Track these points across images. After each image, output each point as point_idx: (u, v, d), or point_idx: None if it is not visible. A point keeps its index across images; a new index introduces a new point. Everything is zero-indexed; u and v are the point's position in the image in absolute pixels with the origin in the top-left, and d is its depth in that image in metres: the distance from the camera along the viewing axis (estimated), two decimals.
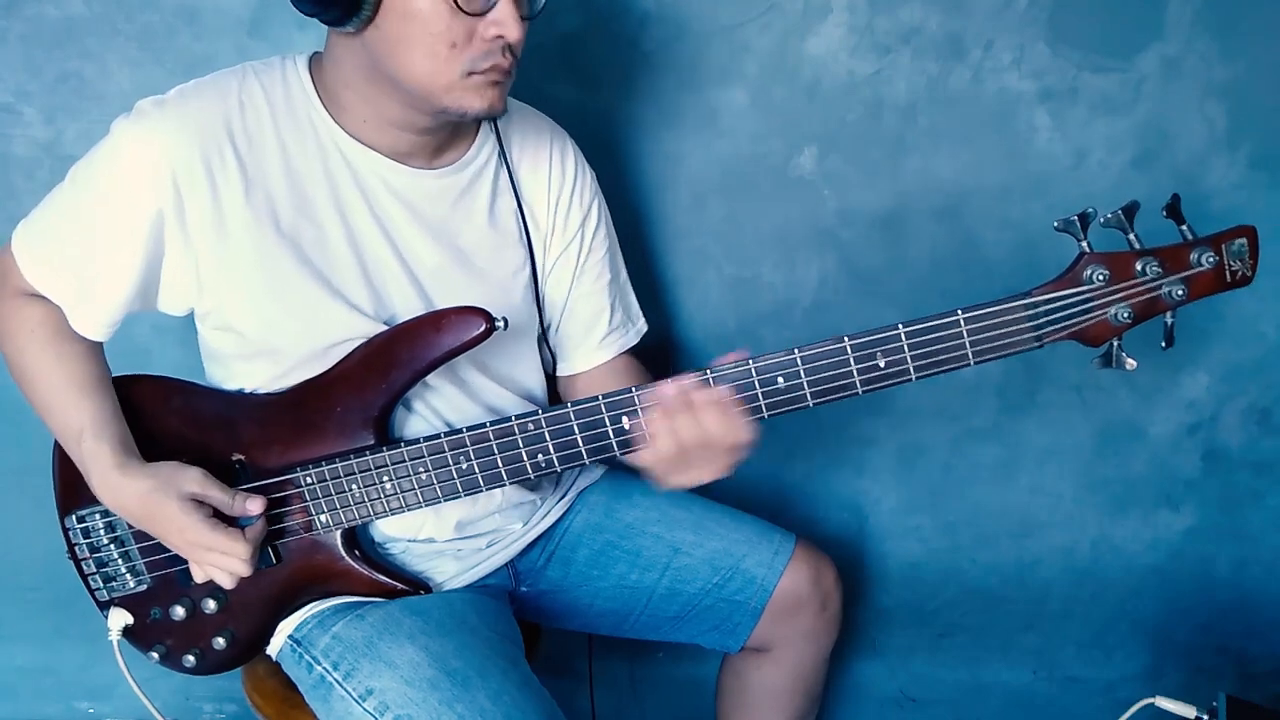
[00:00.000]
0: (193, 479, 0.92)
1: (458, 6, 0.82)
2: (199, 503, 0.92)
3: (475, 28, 0.84)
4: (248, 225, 0.90)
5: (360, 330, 0.96)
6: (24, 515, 1.36)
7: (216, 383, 1.03)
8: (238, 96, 0.91)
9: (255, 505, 0.94)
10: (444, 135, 0.97)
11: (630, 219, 1.14)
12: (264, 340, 0.95)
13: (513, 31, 0.84)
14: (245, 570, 0.93)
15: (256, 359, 0.97)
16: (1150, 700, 1.18)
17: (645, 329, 1.17)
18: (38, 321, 0.96)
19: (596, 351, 1.13)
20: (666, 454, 0.87)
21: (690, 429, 0.85)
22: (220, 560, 0.92)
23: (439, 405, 1.02)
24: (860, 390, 0.87)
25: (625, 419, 0.90)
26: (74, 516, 1.00)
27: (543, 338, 1.13)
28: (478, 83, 0.86)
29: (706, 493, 1.22)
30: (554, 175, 1.06)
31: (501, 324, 0.93)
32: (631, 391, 0.90)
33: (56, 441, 1.00)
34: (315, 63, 0.95)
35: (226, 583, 0.94)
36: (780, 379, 0.87)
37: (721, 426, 0.85)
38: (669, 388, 0.87)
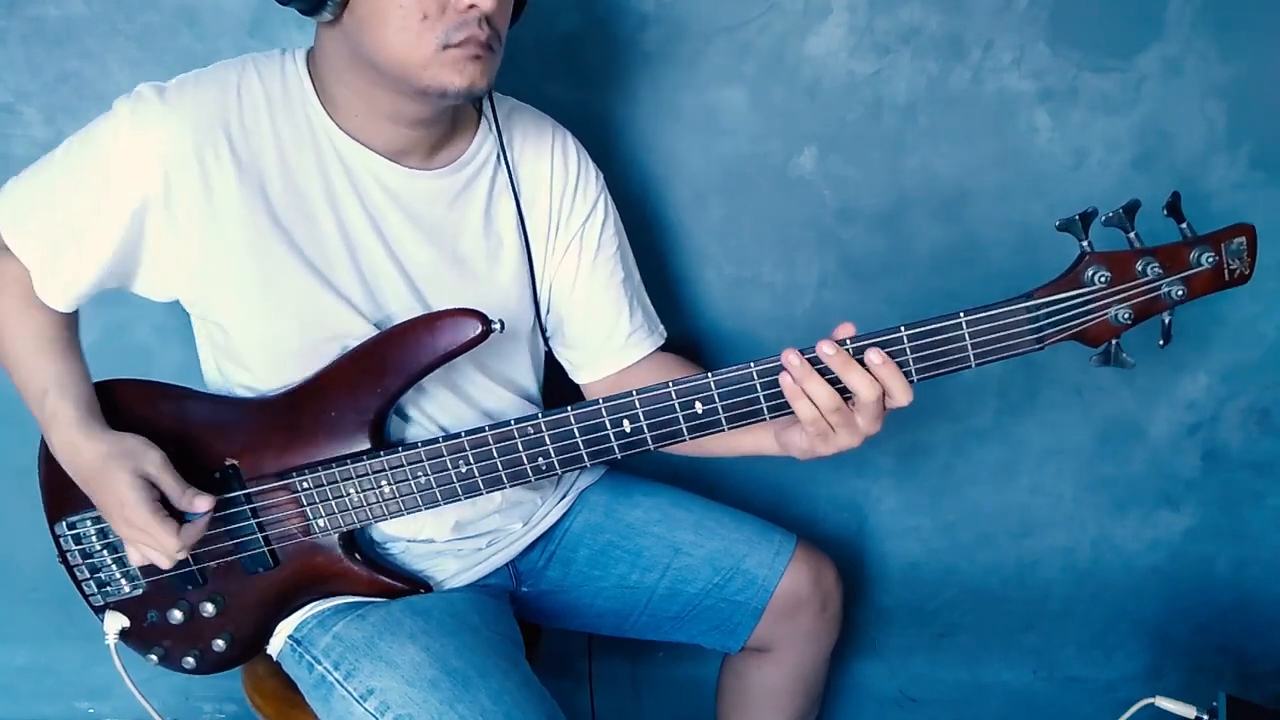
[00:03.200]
0: (153, 460, 0.91)
1: None
2: (150, 484, 0.90)
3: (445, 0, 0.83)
4: (240, 216, 0.90)
5: (353, 325, 0.95)
6: (24, 515, 1.35)
7: (213, 376, 1.03)
8: (236, 89, 0.91)
9: (203, 503, 0.92)
10: (439, 130, 0.96)
11: (630, 219, 1.14)
12: (257, 332, 0.95)
13: (485, 0, 0.83)
14: (166, 563, 0.91)
15: (249, 352, 0.97)
16: (1150, 700, 1.18)
17: (665, 335, 1.15)
18: (13, 277, 0.96)
19: (625, 350, 1.10)
20: (808, 420, 0.86)
21: (823, 392, 0.84)
22: (145, 549, 0.91)
23: (433, 410, 1.01)
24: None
25: (626, 422, 0.90)
26: (64, 523, 1.00)
27: (548, 342, 1.12)
28: (455, 57, 0.84)
29: (707, 493, 1.23)
30: (556, 172, 1.05)
31: (498, 326, 0.93)
32: (632, 395, 0.89)
33: (42, 448, 0.99)
34: (313, 56, 0.95)
35: (161, 563, 0.92)
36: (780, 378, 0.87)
37: (869, 389, 0.84)
38: (793, 354, 0.84)
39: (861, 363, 0.84)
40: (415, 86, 0.86)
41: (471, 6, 0.83)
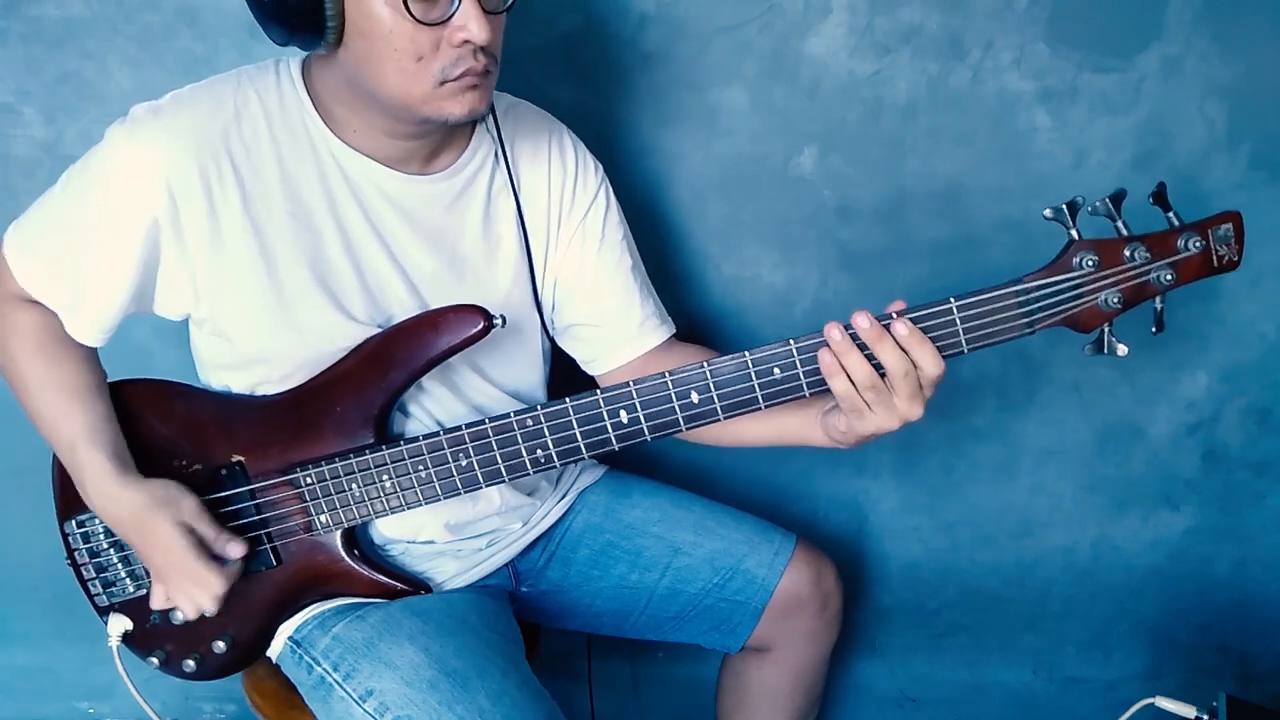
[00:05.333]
0: (190, 507, 0.93)
1: (416, 19, 0.81)
2: (190, 530, 0.92)
3: (440, 36, 0.82)
4: (245, 234, 0.90)
5: (357, 336, 0.96)
6: (24, 516, 1.35)
7: (211, 387, 1.03)
8: (233, 104, 0.90)
9: (236, 549, 0.95)
10: (436, 140, 0.96)
11: (630, 219, 1.14)
12: (259, 347, 0.95)
13: (479, 34, 0.82)
14: (212, 609, 0.94)
15: (252, 365, 0.97)
16: (1150, 700, 1.18)
17: (674, 328, 1.14)
18: (30, 328, 0.96)
19: (641, 337, 1.09)
20: (843, 396, 0.85)
21: (861, 368, 0.84)
22: (192, 592, 0.93)
23: (434, 408, 1.02)
24: None
25: (623, 413, 0.90)
26: (74, 522, 1.00)
27: (554, 339, 1.12)
28: (453, 89, 0.85)
29: (707, 493, 1.23)
30: (554, 167, 1.05)
31: (500, 322, 0.93)
32: (629, 385, 0.90)
33: None
34: (308, 68, 0.95)
35: (189, 613, 0.96)
36: (776, 369, 0.88)
37: (897, 362, 0.83)
38: (835, 329, 0.84)
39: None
40: (416, 118, 0.87)
41: (466, 42, 0.83)
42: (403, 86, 0.84)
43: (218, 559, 0.94)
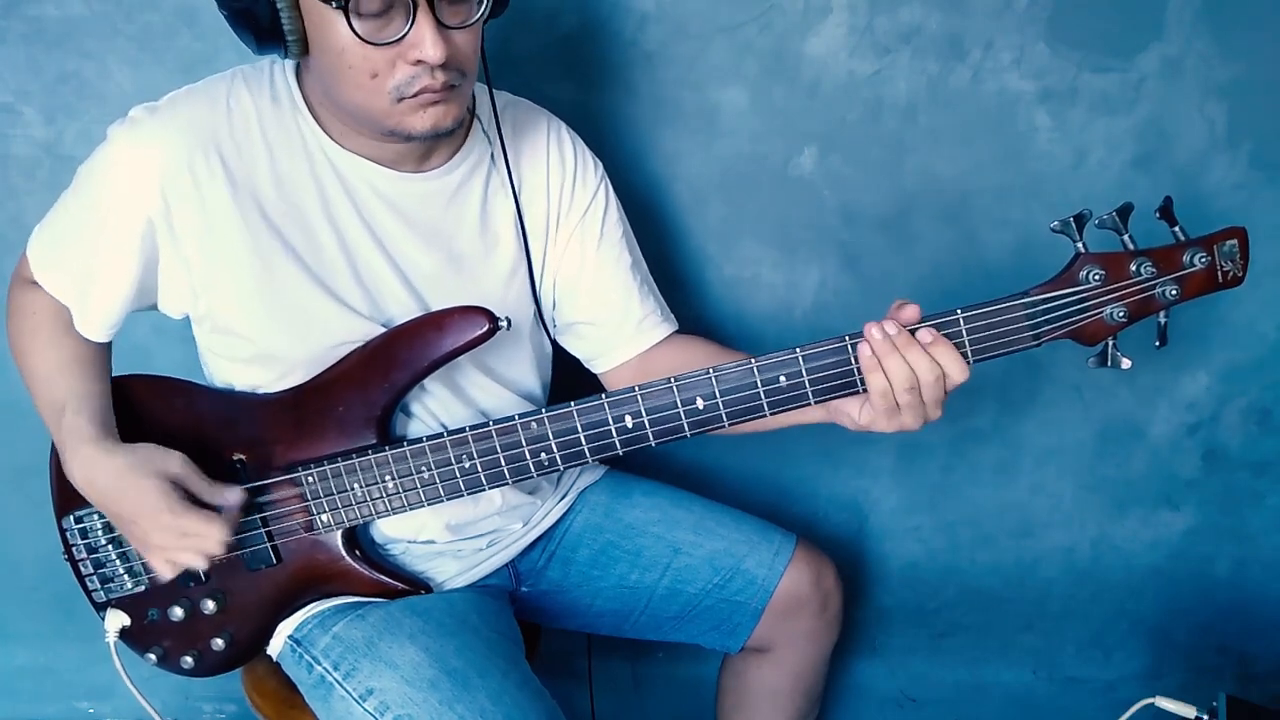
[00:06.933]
0: (175, 461, 0.91)
1: (365, 41, 0.80)
2: (176, 486, 0.90)
3: (395, 54, 0.82)
4: (237, 230, 0.90)
5: (357, 334, 0.96)
6: (23, 515, 1.36)
7: (214, 385, 1.03)
8: (226, 103, 0.91)
9: (234, 496, 0.93)
10: (425, 143, 0.96)
11: (630, 219, 1.14)
12: (259, 344, 0.95)
13: (433, 54, 0.80)
14: (218, 549, 0.90)
15: (252, 363, 0.97)
16: (1150, 700, 1.19)
17: (677, 324, 1.14)
18: (42, 305, 0.98)
19: (641, 334, 1.10)
20: (879, 394, 0.85)
21: (900, 370, 0.84)
22: (192, 542, 0.89)
23: (436, 409, 1.01)
24: (862, 389, 0.87)
25: (628, 417, 0.90)
26: (71, 518, 1.00)
27: (555, 339, 1.12)
28: (412, 105, 0.84)
29: (707, 493, 1.23)
30: (553, 165, 1.05)
31: (505, 324, 0.93)
32: (635, 390, 0.89)
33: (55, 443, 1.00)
34: (300, 69, 0.95)
35: (199, 563, 0.91)
36: (782, 377, 0.88)
37: (928, 368, 0.84)
38: (876, 330, 0.84)
39: None
40: (381, 130, 0.88)
41: (419, 62, 0.82)
42: (362, 101, 0.85)
43: (213, 510, 0.91)
